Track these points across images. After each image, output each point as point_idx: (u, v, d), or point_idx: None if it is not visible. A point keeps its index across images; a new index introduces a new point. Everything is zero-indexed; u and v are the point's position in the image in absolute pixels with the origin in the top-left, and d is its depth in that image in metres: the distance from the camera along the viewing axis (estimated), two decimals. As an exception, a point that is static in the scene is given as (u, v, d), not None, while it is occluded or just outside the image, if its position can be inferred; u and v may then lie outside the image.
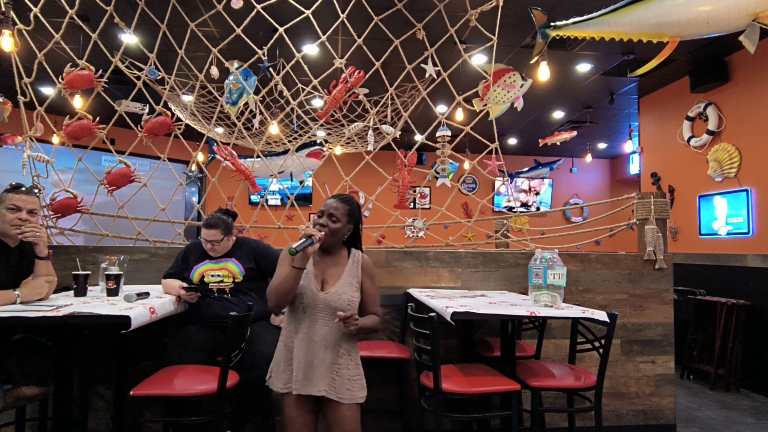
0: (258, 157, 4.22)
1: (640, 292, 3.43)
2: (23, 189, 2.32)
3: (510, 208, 9.79)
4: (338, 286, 1.96)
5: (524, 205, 10.06)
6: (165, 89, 4.24)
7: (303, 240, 1.84)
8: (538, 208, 10.13)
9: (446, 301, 2.51)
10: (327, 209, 1.97)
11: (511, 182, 10.03)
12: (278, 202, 9.05)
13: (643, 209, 3.43)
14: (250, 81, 3.93)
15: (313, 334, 1.91)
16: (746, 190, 4.86)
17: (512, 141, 9.29)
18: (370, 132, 5.20)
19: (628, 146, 7.38)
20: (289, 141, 5.77)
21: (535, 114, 7.56)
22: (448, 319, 2.18)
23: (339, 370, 1.91)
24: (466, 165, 6.84)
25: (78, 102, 4.04)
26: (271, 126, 4.97)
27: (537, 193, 10.20)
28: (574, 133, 7.18)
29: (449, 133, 4.19)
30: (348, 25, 3.65)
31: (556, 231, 4.39)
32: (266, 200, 9.00)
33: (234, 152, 3.99)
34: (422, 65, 3.77)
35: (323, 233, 1.91)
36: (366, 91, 4.15)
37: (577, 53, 5.32)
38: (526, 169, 9.83)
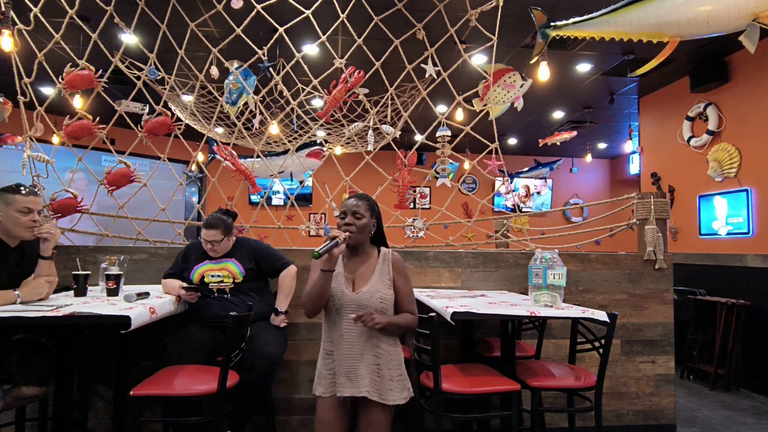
0: (258, 157, 4.22)
1: (640, 292, 3.43)
2: (29, 190, 2.33)
3: (515, 208, 9.78)
4: (369, 285, 1.97)
5: (515, 208, 10.06)
6: (165, 89, 4.24)
7: (326, 243, 1.85)
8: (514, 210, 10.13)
9: (446, 301, 2.51)
10: (349, 208, 1.99)
11: (511, 182, 10.04)
12: (281, 202, 9.08)
13: (643, 209, 3.43)
14: (250, 81, 3.93)
15: (348, 335, 1.92)
16: (746, 190, 4.86)
17: (512, 141, 9.30)
18: (370, 132, 5.20)
19: (628, 146, 7.38)
20: (289, 141, 5.76)
21: (535, 114, 7.56)
22: (448, 319, 2.18)
23: (380, 371, 1.92)
24: (466, 165, 6.84)
25: (78, 102, 4.04)
26: (271, 126, 4.97)
27: (538, 193, 10.19)
28: (574, 133, 7.18)
29: (449, 133, 4.19)
30: (348, 25, 3.65)
31: (556, 231, 4.39)
32: (270, 200, 9.03)
33: (234, 152, 3.99)
34: (422, 65, 3.77)
35: (348, 234, 1.92)
36: (366, 91, 4.15)
37: (577, 53, 5.32)
38: (526, 169, 9.83)
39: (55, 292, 2.48)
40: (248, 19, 3.62)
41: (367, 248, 2.06)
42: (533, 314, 2.22)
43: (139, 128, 3.64)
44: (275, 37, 3.77)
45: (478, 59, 5.01)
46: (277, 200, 9.14)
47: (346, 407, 1.95)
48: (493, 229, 5.12)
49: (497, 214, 9.78)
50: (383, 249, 2.08)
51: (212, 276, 2.72)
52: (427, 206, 9.41)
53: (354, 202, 2.00)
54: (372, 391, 1.89)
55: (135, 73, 4.46)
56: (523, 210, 10.01)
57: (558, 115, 7.63)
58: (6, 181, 2.39)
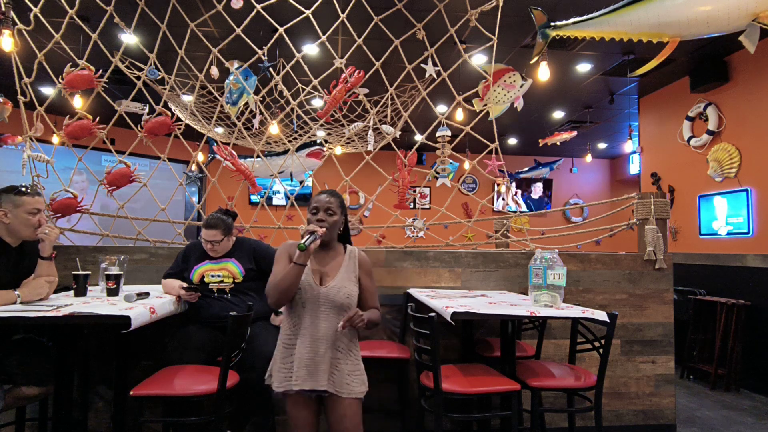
0: (258, 157, 4.22)
1: (640, 292, 3.43)
2: (33, 191, 2.34)
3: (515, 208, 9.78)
4: (337, 279, 1.99)
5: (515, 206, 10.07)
6: (165, 89, 4.24)
7: (308, 236, 1.88)
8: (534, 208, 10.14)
9: (446, 301, 2.51)
10: (322, 205, 2.01)
11: (511, 182, 10.04)
12: (283, 202, 9.09)
13: (643, 209, 3.43)
14: (250, 81, 3.93)
15: (315, 330, 1.93)
16: (746, 190, 4.86)
17: (512, 141, 9.30)
18: (370, 132, 5.20)
19: (628, 146, 7.38)
20: (289, 141, 5.77)
21: (535, 114, 7.56)
22: (448, 319, 2.18)
23: (338, 365, 1.94)
24: (466, 165, 6.84)
25: (78, 102, 4.04)
26: (271, 126, 4.97)
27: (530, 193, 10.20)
28: (574, 133, 7.18)
29: (449, 133, 4.19)
30: (348, 25, 3.65)
31: (556, 231, 4.39)
32: (270, 200, 9.03)
33: (234, 152, 3.99)
34: (422, 65, 3.77)
35: (324, 229, 1.95)
36: (366, 91, 4.15)
37: (577, 53, 5.32)
38: (526, 169, 9.84)
39: (55, 292, 2.48)
40: (248, 19, 3.62)
41: (335, 245, 2.10)
42: (533, 314, 2.22)
43: (139, 128, 3.64)
44: (275, 37, 3.77)
45: (478, 59, 5.01)
46: (277, 200, 9.15)
47: (313, 401, 1.94)
48: (493, 229, 5.12)
49: (497, 214, 9.77)
50: (349, 246, 2.12)
51: (212, 276, 2.72)
52: (427, 206, 9.42)
53: (327, 198, 2.02)
54: (329, 385, 1.90)
55: (135, 73, 4.46)
56: (523, 210, 10.01)
57: (558, 115, 7.63)
58: (6, 181, 2.39)
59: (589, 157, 8.47)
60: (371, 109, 4.15)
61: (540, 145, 7.64)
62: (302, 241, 1.85)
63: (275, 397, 2.02)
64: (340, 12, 3.66)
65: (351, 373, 1.95)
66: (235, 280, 2.72)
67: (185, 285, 2.61)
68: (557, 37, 3.54)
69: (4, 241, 2.30)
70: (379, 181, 4.09)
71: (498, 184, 9.76)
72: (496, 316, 2.27)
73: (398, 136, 4.92)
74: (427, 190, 9.79)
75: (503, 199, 9.70)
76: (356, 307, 1.99)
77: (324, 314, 1.94)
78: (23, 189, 2.32)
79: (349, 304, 1.97)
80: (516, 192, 10.15)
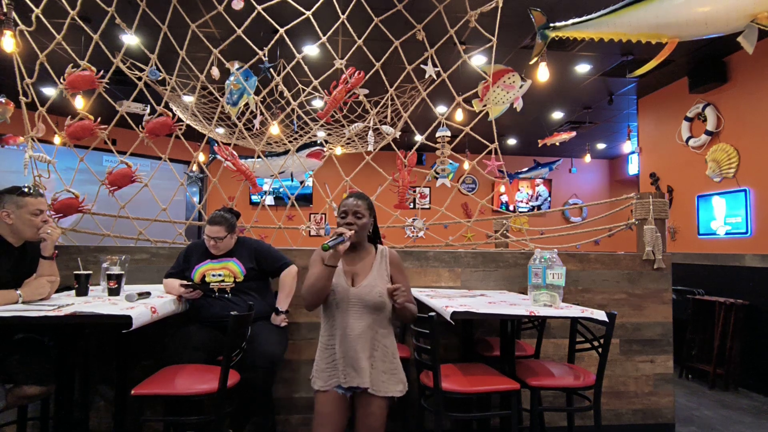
0: (259, 157, 4.23)
1: (639, 292, 3.44)
2: (36, 191, 2.36)
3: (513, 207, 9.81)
4: (368, 279, 2.03)
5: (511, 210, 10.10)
6: (166, 90, 4.25)
7: (334, 238, 1.91)
8: (539, 207, 10.17)
9: (446, 300, 2.52)
10: (350, 208, 2.04)
11: (511, 182, 10.06)
12: (272, 202, 9.07)
13: (641, 209, 3.44)
14: (251, 81, 3.94)
15: (349, 329, 1.97)
16: (745, 191, 4.87)
17: (512, 141, 9.31)
18: (370, 132, 5.21)
19: (627, 146, 7.40)
20: (290, 141, 5.78)
21: (535, 114, 7.57)
22: (448, 319, 2.19)
23: (374, 363, 1.97)
24: (466, 165, 6.85)
25: (79, 102, 4.05)
26: (272, 126, 4.98)
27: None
28: (574, 133, 7.19)
29: (449, 133, 4.19)
30: (348, 26, 3.66)
31: (556, 231, 4.40)
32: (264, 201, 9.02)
33: (235, 152, 4.00)
34: (422, 66, 3.78)
35: (353, 231, 1.98)
36: (366, 91, 4.16)
37: (576, 54, 5.33)
38: (526, 169, 9.84)
39: (57, 291, 2.49)
40: (249, 20, 3.63)
41: (365, 245, 2.14)
42: (533, 314, 2.23)
43: (141, 129, 3.65)
44: (276, 37, 3.78)
45: (477, 60, 5.02)
46: (269, 200, 9.10)
47: (345, 401, 1.98)
48: (493, 229, 5.13)
49: (497, 214, 9.79)
50: (380, 246, 2.16)
51: (213, 275, 2.73)
52: (427, 206, 9.42)
53: (354, 201, 2.06)
54: (367, 382, 1.95)
55: (136, 74, 4.46)
56: (522, 210, 10.03)
57: (557, 115, 7.64)
58: (8, 182, 2.41)
59: (588, 158, 8.48)
60: (371, 109, 4.16)
61: (539, 145, 7.65)
62: (327, 242, 1.88)
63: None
64: (340, 13, 3.67)
65: (387, 372, 1.99)
66: (236, 280, 2.73)
67: (184, 283, 2.62)
68: (556, 38, 3.55)
69: (6, 241, 2.31)
70: (379, 182, 4.10)
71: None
72: (496, 315, 2.29)
73: (398, 137, 4.93)
74: (427, 190, 9.80)
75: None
76: (389, 305, 2.04)
77: (357, 314, 1.98)
78: (26, 190, 2.33)
79: (382, 303, 2.01)
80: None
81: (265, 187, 8.01)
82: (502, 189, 10.13)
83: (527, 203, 10.30)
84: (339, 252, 1.91)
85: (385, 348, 2.02)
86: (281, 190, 8.63)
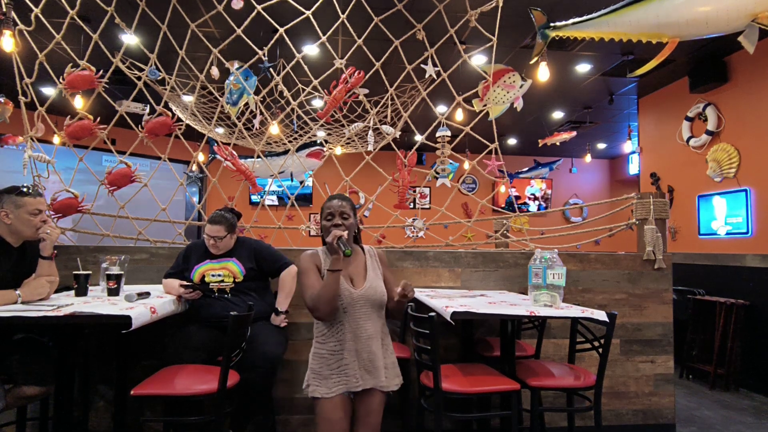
0: (258, 157, 4.23)
1: (639, 292, 3.44)
2: (35, 191, 2.35)
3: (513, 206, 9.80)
4: (369, 280, 2.05)
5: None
6: (165, 89, 4.25)
7: (338, 243, 1.92)
8: (537, 200, 10.18)
9: (446, 300, 2.51)
10: (336, 209, 2.03)
11: (511, 182, 10.06)
12: (275, 202, 9.10)
13: (642, 209, 3.44)
14: (251, 81, 3.94)
15: (361, 332, 1.98)
16: (745, 191, 4.87)
17: (512, 141, 9.30)
18: (370, 132, 5.21)
19: (628, 146, 7.39)
20: (290, 141, 5.77)
21: (535, 114, 7.57)
22: (448, 319, 2.19)
23: (384, 361, 2.02)
24: (466, 165, 6.85)
25: (79, 102, 4.04)
26: (272, 126, 4.97)
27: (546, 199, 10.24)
28: (574, 133, 7.19)
29: (449, 133, 4.19)
30: (348, 25, 3.65)
31: (556, 231, 4.40)
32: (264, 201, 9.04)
33: (234, 152, 3.99)
34: (422, 66, 3.78)
35: (346, 231, 1.99)
36: (366, 91, 4.16)
37: (576, 54, 5.33)
38: (526, 169, 9.84)
39: (56, 291, 2.49)
40: (249, 19, 3.63)
41: (354, 247, 2.14)
42: (533, 314, 2.22)
43: (140, 128, 3.65)
44: (275, 37, 3.77)
45: (477, 60, 5.02)
46: (269, 201, 9.13)
47: (350, 403, 1.98)
48: (493, 229, 5.12)
49: (497, 214, 9.79)
50: (365, 246, 2.19)
51: (213, 275, 2.72)
52: (427, 206, 9.42)
53: (339, 203, 2.04)
54: (384, 380, 1.99)
55: (136, 74, 4.46)
56: (522, 209, 10.02)
57: (558, 115, 7.64)
58: (7, 182, 2.40)
59: (588, 158, 8.47)
60: (371, 109, 4.16)
61: (540, 145, 7.65)
62: (344, 249, 1.89)
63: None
64: (340, 12, 3.67)
65: (388, 366, 2.04)
66: (236, 280, 2.73)
67: (184, 283, 2.62)
68: (557, 38, 3.54)
69: (5, 241, 2.31)
70: (379, 181, 4.10)
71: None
72: (496, 315, 2.28)
73: (398, 137, 4.93)
74: (427, 190, 9.80)
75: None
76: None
77: (366, 315, 2.00)
78: (25, 189, 2.33)
79: (385, 301, 2.05)
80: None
81: (269, 188, 8.03)
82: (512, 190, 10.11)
83: (540, 199, 10.24)
84: (340, 255, 1.93)
85: (388, 344, 2.07)
86: (282, 190, 8.65)
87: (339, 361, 1.97)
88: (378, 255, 2.16)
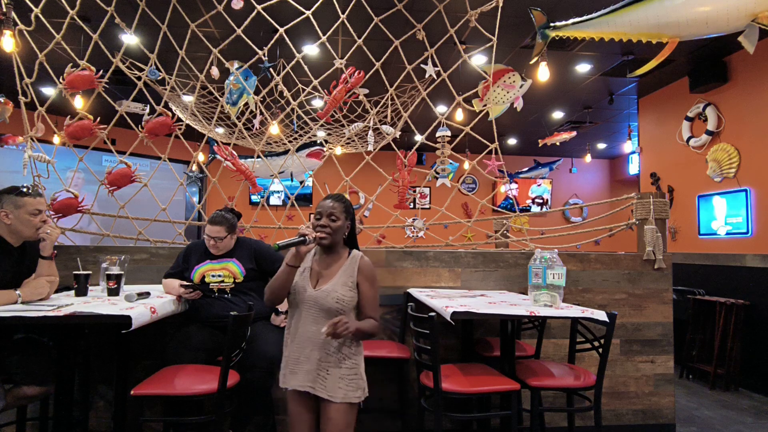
0: (258, 157, 4.23)
1: (639, 292, 3.44)
2: (35, 191, 2.35)
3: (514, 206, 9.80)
4: (329, 284, 1.96)
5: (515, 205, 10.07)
6: (165, 89, 4.25)
7: (294, 238, 1.87)
8: (542, 206, 10.18)
9: (446, 300, 2.51)
10: (325, 210, 1.98)
11: (511, 182, 10.05)
12: (279, 202, 9.16)
13: (642, 209, 3.44)
14: (251, 81, 3.94)
15: (304, 331, 1.93)
16: (745, 191, 4.87)
17: (512, 141, 9.30)
18: (370, 132, 5.21)
19: (628, 146, 7.39)
20: (290, 141, 5.77)
21: (535, 114, 7.57)
22: (448, 319, 2.19)
23: (328, 368, 1.90)
24: (466, 165, 6.85)
25: (79, 102, 4.04)
26: (272, 126, 4.97)
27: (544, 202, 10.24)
28: (574, 133, 7.19)
29: (449, 133, 4.19)
30: (348, 25, 3.66)
31: (556, 231, 4.40)
32: (267, 200, 9.07)
33: (234, 152, 3.99)
34: (422, 66, 3.78)
35: (318, 234, 1.93)
36: (366, 91, 4.16)
37: (576, 54, 5.33)
38: (526, 169, 9.84)
39: (56, 291, 2.49)
40: (249, 19, 3.63)
41: (339, 249, 2.04)
42: (533, 314, 2.22)
43: (140, 128, 3.65)
44: (275, 37, 3.77)
45: (477, 60, 5.02)
46: (275, 200, 9.21)
47: (312, 401, 1.93)
48: (493, 229, 5.13)
49: (497, 214, 9.79)
50: (354, 252, 2.05)
51: (213, 276, 2.72)
52: (427, 206, 9.42)
53: (331, 204, 1.98)
54: (318, 387, 1.88)
55: (136, 74, 4.46)
56: (522, 209, 10.02)
57: (558, 115, 7.64)
58: (7, 182, 2.40)
59: (588, 158, 8.47)
60: (371, 109, 4.16)
61: (540, 145, 7.65)
62: (280, 242, 1.85)
63: (277, 396, 2.03)
64: (340, 12, 3.67)
65: (345, 377, 1.90)
66: (236, 280, 2.73)
67: (184, 283, 2.62)
68: (557, 38, 3.55)
69: (5, 241, 2.31)
70: (379, 181, 4.10)
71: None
72: (496, 315, 2.28)
73: (398, 137, 4.93)
74: (427, 190, 9.80)
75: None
76: (351, 314, 1.95)
77: (312, 317, 1.92)
78: (25, 190, 2.33)
79: (339, 309, 1.91)
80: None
81: (273, 188, 8.04)
82: (514, 186, 10.07)
83: (544, 200, 10.22)
84: (301, 253, 1.87)
85: (342, 353, 1.91)
86: (283, 191, 8.68)
87: (284, 354, 1.98)
88: (360, 263, 1.99)
